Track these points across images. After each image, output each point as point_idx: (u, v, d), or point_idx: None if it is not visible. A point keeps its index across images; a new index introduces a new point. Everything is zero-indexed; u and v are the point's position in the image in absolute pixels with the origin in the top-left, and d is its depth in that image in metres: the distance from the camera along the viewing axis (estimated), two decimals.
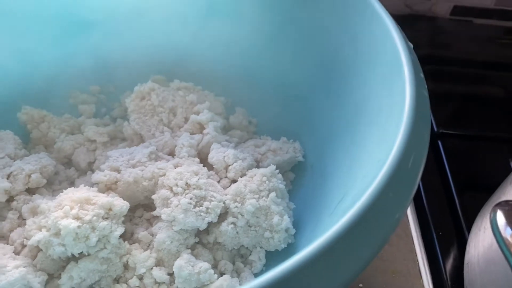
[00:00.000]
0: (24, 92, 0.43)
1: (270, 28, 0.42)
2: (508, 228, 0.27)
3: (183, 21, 0.46)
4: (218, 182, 0.38)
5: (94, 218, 0.31)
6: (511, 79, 0.65)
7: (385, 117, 0.28)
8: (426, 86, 0.29)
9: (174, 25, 0.46)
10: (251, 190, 0.35)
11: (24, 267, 0.31)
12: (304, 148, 0.41)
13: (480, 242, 0.37)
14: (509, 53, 0.67)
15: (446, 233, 0.44)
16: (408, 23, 0.69)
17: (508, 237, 0.27)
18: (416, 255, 0.40)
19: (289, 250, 0.35)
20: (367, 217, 0.21)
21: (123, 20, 0.46)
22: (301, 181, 0.40)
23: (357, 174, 0.28)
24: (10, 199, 0.35)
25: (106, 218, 0.32)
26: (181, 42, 0.47)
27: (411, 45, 0.31)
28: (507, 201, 0.29)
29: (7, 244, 0.33)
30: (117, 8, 0.44)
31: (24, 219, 0.35)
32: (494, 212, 0.28)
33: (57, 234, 0.31)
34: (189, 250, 0.34)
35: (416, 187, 0.24)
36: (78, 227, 0.30)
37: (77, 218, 0.31)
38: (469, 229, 0.43)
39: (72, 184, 0.39)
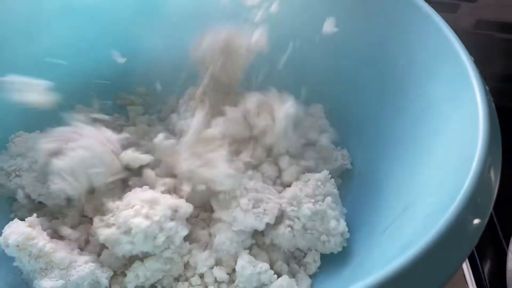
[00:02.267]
0: (73, 94, 0.44)
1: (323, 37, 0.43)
2: None
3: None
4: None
5: (162, 218, 0.32)
6: None
7: (455, 127, 0.29)
8: (492, 98, 0.30)
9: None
10: (307, 194, 0.36)
11: (92, 262, 0.31)
12: (351, 155, 0.42)
13: None
14: None
15: (482, 241, 0.45)
16: None
17: None
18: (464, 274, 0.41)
19: (343, 253, 0.36)
20: (459, 224, 0.22)
21: (169, 21, 0.46)
22: (348, 188, 0.41)
23: (428, 182, 0.29)
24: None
25: (173, 219, 0.33)
26: None
27: (473, 58, 0.32)
28: None
29: (70, 240, 0.34)
30: (167, 8, 0.45)
31: (86, 216, 0.35)
32: None
33: (127, 232, 0.31)
34: (247, 251, 0.35)
35: (495, 194, 0.25)
36: (148, 226, 0.31)
37: (147, 217, 0.31)
38: (505, 237, 0.44)
39: (126, 184, 0.39)
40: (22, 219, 0.34)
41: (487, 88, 0.30)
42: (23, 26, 0.40)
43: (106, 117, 0.43)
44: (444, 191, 0.25)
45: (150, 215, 0.31)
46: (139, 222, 0.31)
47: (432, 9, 0.35)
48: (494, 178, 0.25)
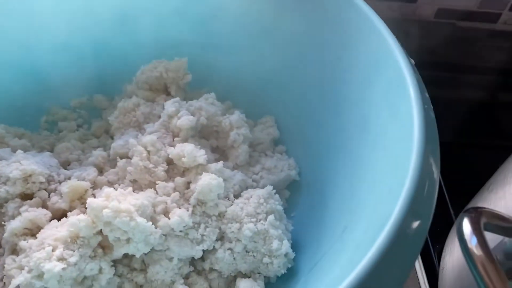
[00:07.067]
0: None
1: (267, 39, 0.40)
2: (474, 237, 0.24)
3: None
4: None
5: (81, 259, 0.28)
6: (494, 83, 0.66)
7: (391, 140, 0.27)
8: (431, 107, 0.27)
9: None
10: (248, 213, 0.33)
11: None
12: (299, 165, 0.40)
13: (456, 247, 0.36)
14: (492, 56, 0.68)
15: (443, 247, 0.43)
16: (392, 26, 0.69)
17: (473, 247, 0.23)
18: (416, 273, 0.39)
19: (288, 274, 0.34)
20: (390, 254, 0.20)
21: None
22: (296, 200, 0.39)
23: (365, 202, 0.27)
24: None
25: (94, 257, 0.29)
26: None
27: (413, 62, 0.30)
28: (475, 208, 0.26)
29: None
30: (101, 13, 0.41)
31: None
32: (460, 219, 0.25)
33: (40, 276, 0.28)
34: (182, 280, 0.32)
35: (432, 214, 0.22)
36: (63, 269, 0.28)
37: (61, 259, 0.28)
38: None
39: None
40: None
41: (427, 95, 0.28)
42: None
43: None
44: (377, 217, 0.23)
45: (65, 256, 0.28)
46: (52, 267, 0.27)
47: (371, 10, 0.32)
48: (431, 199, 0.23)
